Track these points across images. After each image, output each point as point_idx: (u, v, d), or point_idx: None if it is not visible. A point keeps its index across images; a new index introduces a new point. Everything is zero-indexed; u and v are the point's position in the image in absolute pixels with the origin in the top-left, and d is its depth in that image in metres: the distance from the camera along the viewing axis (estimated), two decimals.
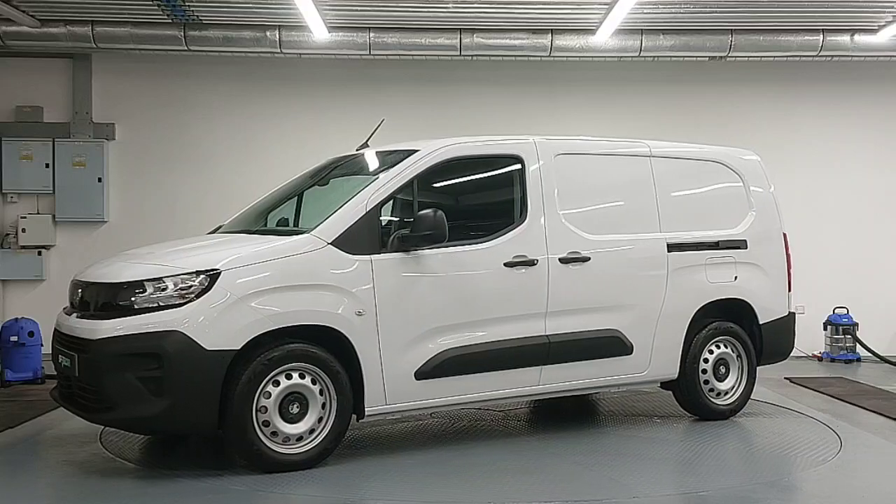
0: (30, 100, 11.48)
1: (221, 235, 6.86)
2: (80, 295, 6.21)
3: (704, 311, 7.56)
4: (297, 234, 6.19)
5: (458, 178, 6.85)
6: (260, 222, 7.12)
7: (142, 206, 11.52)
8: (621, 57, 11.09)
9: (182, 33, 10.46)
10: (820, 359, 11.52)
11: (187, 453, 6.61)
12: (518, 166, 6.88)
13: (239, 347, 5.67)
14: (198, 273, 5.72)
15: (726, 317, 7.72)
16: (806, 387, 9.42)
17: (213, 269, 5.73)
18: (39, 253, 11.38)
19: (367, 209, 6.17)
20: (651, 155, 7.62)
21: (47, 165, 11.34)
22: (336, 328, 5.96)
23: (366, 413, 6.11)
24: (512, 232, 6.69)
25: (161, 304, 5.67)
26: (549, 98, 11.66)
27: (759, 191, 8.09)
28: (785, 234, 8.12)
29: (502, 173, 6.94)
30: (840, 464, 6.36)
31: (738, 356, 7.78)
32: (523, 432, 7.35)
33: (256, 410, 5.74)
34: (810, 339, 11.60)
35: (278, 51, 10.71)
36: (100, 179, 11.38)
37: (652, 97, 11.76)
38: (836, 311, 11.46)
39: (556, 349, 6.78)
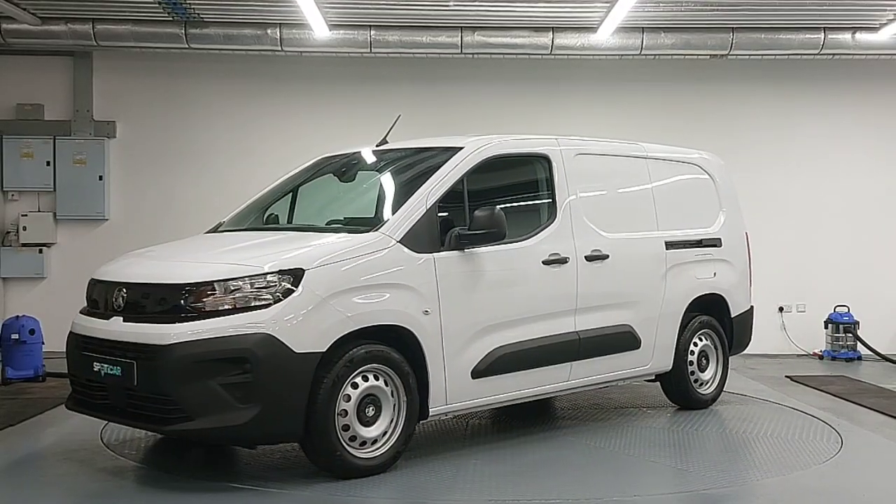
0: (31, 97, 11.49)
1: (268, 233, 6.55)
2: (122, 297, 5.77)
3: (691, 305, 7.86)
4: (356, 231, 6.02)
5: (495, 175, 6.82)
6: (267, 219, 7.04)
7: (143, 204, 11.53)
8: (622, 55, 11.08)
9: (183, 31, 10.46)
10: (821, 357, 11.52)
11: (183, 454, 6.56)
12: (546, 165, 6.95)
13: (325, 349, 5.46)
14: (282, 272, 5.46)
15: (705, 311, 8.03)
16: (807, 385, 9.43)
17: (297, 269, 5.50)
18: (40, 251, 11.39)
19: (428, 206, 6.08)
20: (647, 156, 7.85)
21: (48, 163, 11.35)
22: (408, 328, 5.83)
23: (430, 413, 5.99)
24: (546, 230, 6.74)
25: (239, 305, 5.38)
26: (550, 96, 11.66)
27: (727, 191, 8.44)
28: (746, 233, 8.53)
29: (533, 172, 7.00)
30: (841, 462, 6.37)
31: (716, 347, 8.16)
32: (553, 427, 7.37)
33: (337, 414, 5.53)
34: (811, 337, 11.64)
35: (279, 49, 10.71)
36: (101, 177, 11.39)
37: (653, 96, 11.76)
38: (836, 309, 11.46)
39: (584, 345, 6.93)
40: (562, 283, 6.75)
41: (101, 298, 6.00)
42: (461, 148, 6.53)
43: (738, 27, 10.68)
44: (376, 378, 5.73)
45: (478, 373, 6.20)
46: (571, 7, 10.06)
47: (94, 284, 6.19)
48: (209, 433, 5.40)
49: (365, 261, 5.73)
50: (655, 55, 11.07)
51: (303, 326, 5.40)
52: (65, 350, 6.16)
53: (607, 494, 5.52)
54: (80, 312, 6.21)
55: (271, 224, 6.97)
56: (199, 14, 10.33)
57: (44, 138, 11.36)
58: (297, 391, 5.36)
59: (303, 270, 5.49)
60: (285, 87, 11.63)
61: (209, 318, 5.35)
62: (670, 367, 7.70)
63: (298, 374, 5.36)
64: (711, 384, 8.11)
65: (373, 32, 10.59)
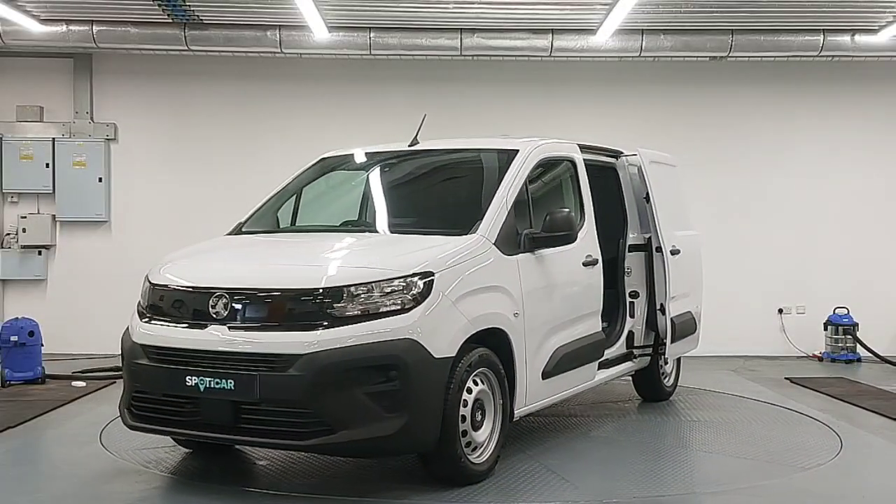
0: (30, 99, 11.50)
1: (337, 235, 6.42)
2: (224, 304, 5.29)
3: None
4: (454, 233, 5.85)
5: (538, 178, 6.84)
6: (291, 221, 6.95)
7: (142, 206, 11.53)
8: (622, 57, 11.08)
9: (183, 33, 10.46)
10: (820, 359, 11.51)
11: (182, 455, 6.54)
12: (572, 168, 7.02)
13: (454, 354, 5.31)
14: (415, 276, 5.28)
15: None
16: (806, 387, 9.42)
17: (428, 272, 5.32)
18: (40, 253, 11.39)
19: (508, 208, 6.05)
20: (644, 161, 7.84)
21: (48, 165, 11.36)
22: (505, 330, 5.77)
23: (515, 415, 5.91)
24: (581, 232, 6.75)
25: (371, 310, 5.14)
26: (550, 98, 11.65)
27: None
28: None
29: (563, 175, 7.08)
30: (840, 464, 6.38)
31: None
32: (573, 425, 7.47)
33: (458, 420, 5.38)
34: (811, 339, 11.63)
35: (279, 50, 10.72)
36: (100, 179, 11.40)
37: (652, 98, 11.75)
38: (836, 311, 11.45)
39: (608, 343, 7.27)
40: (594, 283, 6.87)
41: (184, 306, 5.52)
42: (517, 150, 6.51)
43: (738, 29, 10.68)
44: (481, 382, 5.62)
45: (546, 373, 6.24)
46: (571, 9, 10.05)
47: (167, 290, 5.65)
48: (353, 446, 5.14)
49: (474, 263, 5.66)
50: (655, 57, 11.08)
51: (438, 330, 5.26)
52: (126, 364, 5.68)
53: (667, 491, 5.69)
54: (143, 321, 5.66)
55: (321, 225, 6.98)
56: (198, 16, 10.33)
57: (43, 140, 11.37)
58: (437, 397, 5.22)
59: (433, 274, 5.35)
60: (285, 89, 11.62)
61: (346, 324, 5.11)
62: (648, 363, 8.02)
63: (438, 379, 5.22)
64: (671, 376, 8.54)
65: (372, 34, 10.60)
